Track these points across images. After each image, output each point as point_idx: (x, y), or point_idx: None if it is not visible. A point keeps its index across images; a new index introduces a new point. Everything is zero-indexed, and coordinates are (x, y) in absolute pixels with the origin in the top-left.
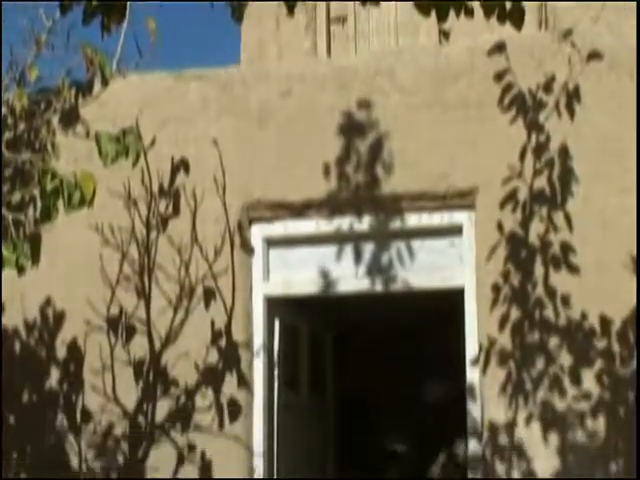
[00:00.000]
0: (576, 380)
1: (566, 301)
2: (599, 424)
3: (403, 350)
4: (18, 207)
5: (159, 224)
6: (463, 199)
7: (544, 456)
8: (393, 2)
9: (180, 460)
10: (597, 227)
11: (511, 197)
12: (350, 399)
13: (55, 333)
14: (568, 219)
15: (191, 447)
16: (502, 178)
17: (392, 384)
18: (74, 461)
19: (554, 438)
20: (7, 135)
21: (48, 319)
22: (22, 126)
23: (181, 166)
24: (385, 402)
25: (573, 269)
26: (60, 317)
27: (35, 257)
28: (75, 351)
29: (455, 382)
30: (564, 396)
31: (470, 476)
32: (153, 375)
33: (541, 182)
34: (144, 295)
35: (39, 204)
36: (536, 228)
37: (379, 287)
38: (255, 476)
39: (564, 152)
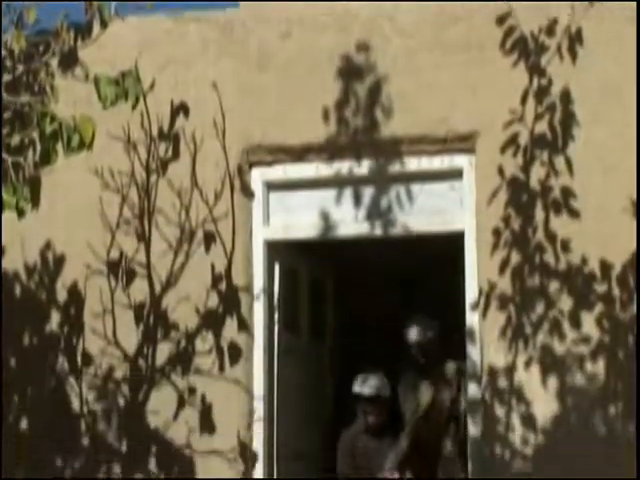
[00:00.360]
0: (576, 324)
1: (566, 245)
2: (598, 367)
3: (403, 294)
4: (17, 150)
5: (159, 168)
6: (463, 143)
7: (543, 399)
8: None
9: (180, 403)
10: (598, 171)
11: (512, 141)
12: (350, 343)
13: (55, 276)
14: (569, 163)
15: (191, 390)
16: (503, 122)
17: (392, 328)
18: (75, 403)
19: (553, 381)
20: (6, 77)
21: (48, 263)
22: (20, 69)
23: (181, 109)
24: (385, 345)
25: (573, 213)
26: (60, 261)
27: (35, 200)
28: (75, 294)
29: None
30: (564, 340)
31: (470, 419)
32: (153, 319)
33: (542, 126)
34: (144, 239)
35: (38, 147)
36: (537, 172)
37: (379, 231)
38: (255, 418)
39: (566, 96)
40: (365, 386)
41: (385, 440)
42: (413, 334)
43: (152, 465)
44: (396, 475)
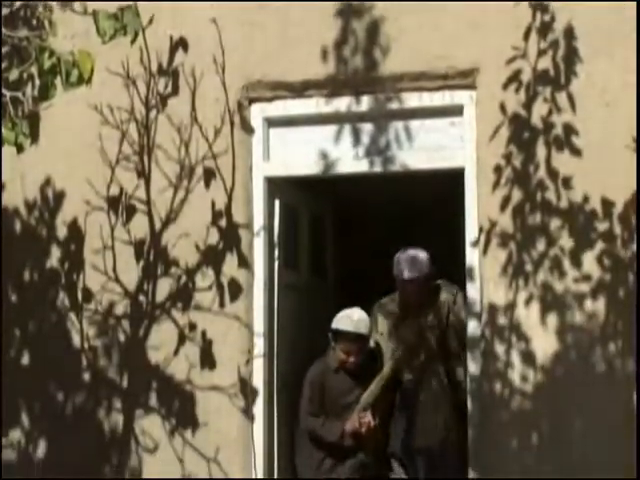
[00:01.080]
0: (576, 262)
1: (568, 183)
2: (599, 305)
3: (404, 231)
4: (16, 85)
5: (158, 104)
6: (464, 79)
7: (543, 337)
8: None
9: (181, 339)
10: (600, 108)
11: (514, 78)
12: (351, 280)
13: (55, 213)
14: (571, 100)
15: (192, 326)
16: (505, 58)
17: (391, 266)
18: (76, 339)
19: (553, 319)
20: (4, 12)
21: (48, 199)
22: (18, 3)
23: (180, 45)
24: (385, 283)
25: (575, 151)
26: (60, 197)
27: (34, 135)
28: (75, 231)
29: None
30: (564, 278)
31: (469, 355)
32: (154, 255)
33: (545, 63)
34: (144, 175)
35: (37, 82)
36: (539, 109)
37: (378, 168)
38: (255, 354)
39: (569, 32)
40: (350, 324)
41: (360, 381)
42: (404, 271)
43: (153, 401)
44: (367, 418)
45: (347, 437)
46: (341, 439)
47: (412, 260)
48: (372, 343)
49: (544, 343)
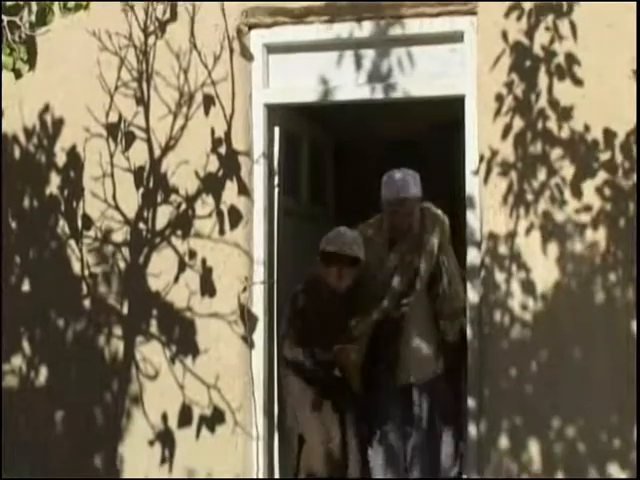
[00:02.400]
0: (577, 192)
1: (569, 112)
2: (599, 235)
3: (404, 159)
4: (13, 10)
5: (157, 30)
6: (465, 5)
7: (543, 266)
8: None
9: (181, 266)
10: (603, 38)
11: (516, 5)
12: (351, 208)
13: (54, 140)
14: (573, 29)
15: (192, 253)
16: None
17: None
18: (76, 267)
19: (554, 248)
20: None
21: (47, 126)
22: None
23: None
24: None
25: (577, 80)
26: (59, 123)
27: (32, 61)
28: (75, 158)
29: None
30: (565, 207)
31: (469, 285)
32: (153, 182)
33: None
34: (143, 102)
35: (34, 7)
36: (541, 37)
37: (379, 95)
38: (254, 280)
39: None
40: (343, 245)
41: (347, 307)
42: (390, 191)
43: (153, 328)
44: (349, 350)
45: (337, 367)
46: (330, 370)
47: (403, 180)
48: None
49: (544, 272)
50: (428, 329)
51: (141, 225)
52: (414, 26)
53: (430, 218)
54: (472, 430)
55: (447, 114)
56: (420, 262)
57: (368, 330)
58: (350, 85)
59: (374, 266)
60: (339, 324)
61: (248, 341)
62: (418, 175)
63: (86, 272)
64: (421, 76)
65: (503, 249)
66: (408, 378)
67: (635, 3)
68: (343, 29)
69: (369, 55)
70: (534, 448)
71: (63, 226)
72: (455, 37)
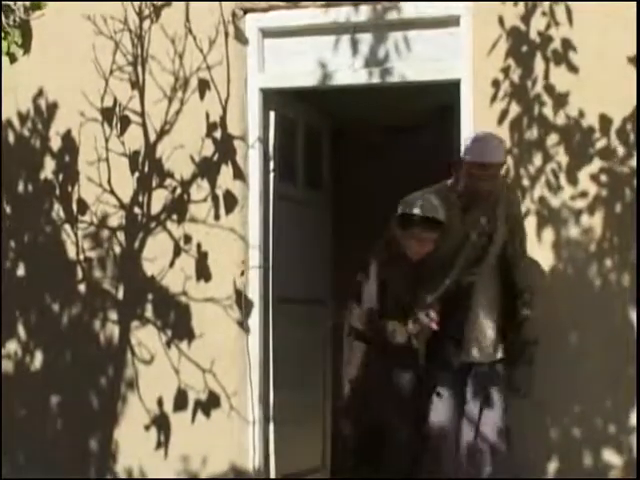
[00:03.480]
0: (573, 178)
1: (565, 98)
2: (595, 221)
3: (400, 144)
4: None
5: (152, 14)
6: None
7: (539, 251)
8: None
9: (176, 251)
10: (599, 23)
11: None
12: (347, 193)
13: (49, 124)
14: (569, 14)
15: (187, 238)
16: None
17: (388, 179)
18: (71, 251)
19: (549, 234)
20: None
21: (41, 110)
22: None
23: None
24: (383, 196)
25: (573, 66)
26: (53, 108)
27: (26, 45)
28: (70, 142)
29: None
30: (561, 193)
31: None
32: (148, 167)
33: None
34: (138, 86)
35: None
36: (537, 23)
37: (375, 79)
38: (250, 265)
39: None
40: (430, 209)
41: (417, 274)
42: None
43: (149, 312)
44: (433, 315)
45: (414, 338)
46: (408, 342)
47: (489, 144)
48: None
49: (540, 258)
50: (496, 304)
51: (136, 210)
52: (410, 10)
53: (507, 187)
54: None
55: (444, 99)
56: (495, 229)
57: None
58: (346, 69)
59: (446, 229)
60: (410, 291)
61: (244, 325)
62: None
63: (81, 257)
64: (417, 60)
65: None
66: (469, 356)
67: (635, 3)
68: (339, 13)
69: (365, 39)
70: (530, 433)
71: (58, 210)
72: (451, 21)
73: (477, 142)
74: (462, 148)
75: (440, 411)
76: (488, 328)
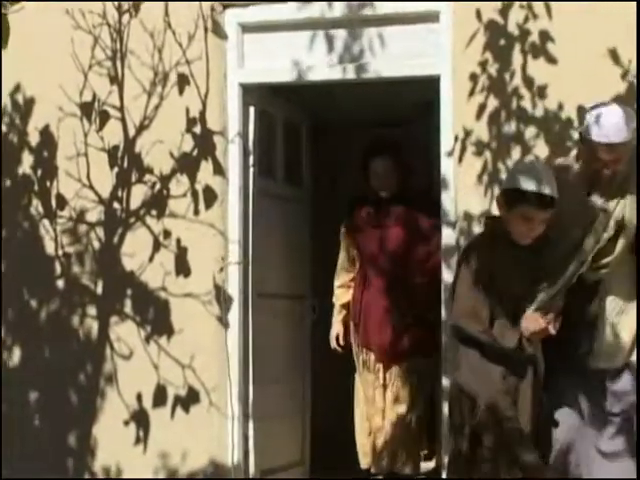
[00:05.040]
0: None
1: (543, 91)
2: None
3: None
4: None
5: (131, 8)
6: None
7: None
8: None
9: (155, 246)
10: (577, 16)
11: None
12: (327, 189)
13: (27, 119)
14: (547, 6)
15: (166, 233)
16: None
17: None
18: (49, 246)
19: None
20: None
21: (19, 105)
22: None
23: None
24: (361, 190)
25: (551, 58)
26: (31, 103)
27: (4, 39)
28: (48, 137)
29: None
30: None
31: (444, 265)
32: (127, 162)
33: None
34: (117, 81)
35: None
36: (515, 15)
37: (353, 75)
38: (230, 260)
39: None
40: (537, 183)
41: (533, 266)
42: (599, 134)
43: (128, 308)
44: (550, 316)
45: (527, 343)
46: (520, 346)
47: (616, 123)
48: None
49: None
50: (631, 301)
51: (115, 205)
52: (388, 6)
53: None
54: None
55: (425, 95)
56: (624, 212)
57: (554, 301)
58: (324, 65)
59: (568, 216)
60: (522, 287)
61: (223, 321)
62: (634, 112)
63: (60, 252)
64: (396, 56)
65: (478, 229)
66: (598, 362)
67: (635, 3)
68: (318, 9)
69: (343, 35)
70: None
71: (37, 206)
72: (430, 17)
73: (599, 119)
74: (584, 122)
75: (566, 425)
76: (622, 330)
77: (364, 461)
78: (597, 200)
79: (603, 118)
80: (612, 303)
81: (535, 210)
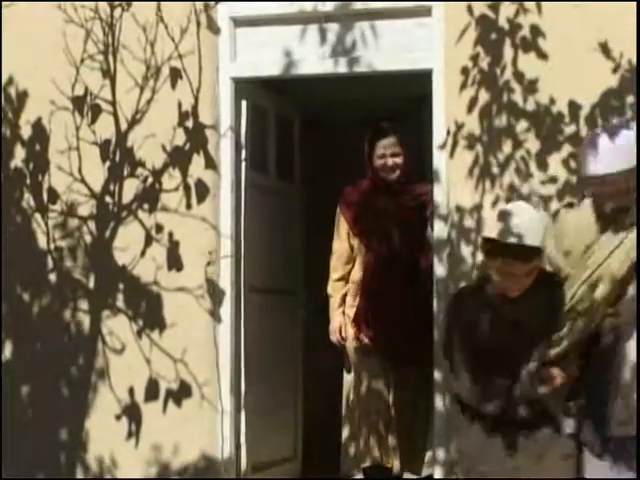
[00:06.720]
0: (543, 164)
1: (534, 85)
2: None
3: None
4: None
5: (123, 2)
6: None
7: None
8: None
9: (148, 240)
10: (567, 10)
11: None
12: (320, 183)
13: (19, 113)
14: (538, 2)
15: (159, 227)
16: None
17: (359, 168)
18: (41, 240)
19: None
20: None
21: (11, 98)
22: None
23: None
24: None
25: (542, 52)
26: (23, 96)
27: None
28: (40, 131)
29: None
30: (530, 180)
31: (436, 259)
32: (119, 156)
33: None
34: (109, 74)
35: None
36: (506, 10)
37: (345, 69)
38: (222, 254)
39: None
40: (508, 230)
41: (525, 319)
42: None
43: (120, 302)
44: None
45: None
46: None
47: (605, 151)
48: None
49: None
50: None
51: (107, 199)
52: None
53: None
54: (439, 403)
55: (417, 88)
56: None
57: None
58: (316, 59)
59: (581, 259)
60: (518, 344)
61: (215, 315)
62: (633, 135)
63: (52, 246)
64: (388, 50)
65: (469, 222)
66: (623, 428)
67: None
68: (310, 3)
69: (336, 29)
70: None
71: (28, 200)
72: (422, 11)
73: (587, 148)
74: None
75: None
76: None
77: (368, 458)
78: (609, 241)
79: (589, 148)
80: (630, 354)
81: (514, 263)
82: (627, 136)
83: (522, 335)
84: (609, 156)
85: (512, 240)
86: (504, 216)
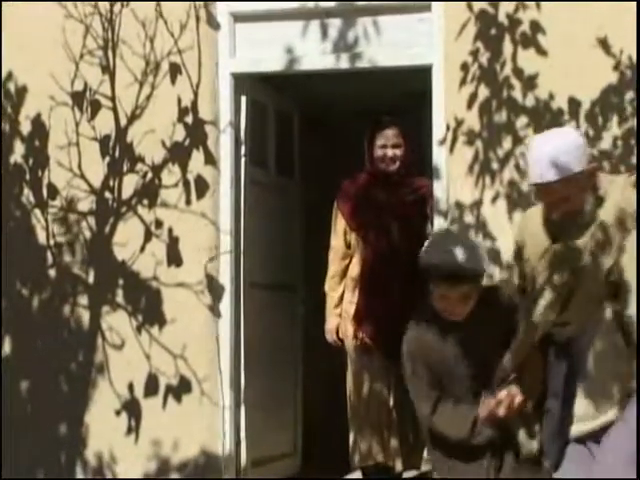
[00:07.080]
0: None
1: (534, 81)
2: None
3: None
4: None
5: None
6: None
7: (509, 235)
8: None
9: (147, 236)
10: (566, 6)
11: None
12: (318, 180)
13: (18, 108)
14: None
15: (158, 223)
16: None
17: (359, 164)
18: (41, 236)
19: (519, 217)
20: None
21: (11, 94)
22: None
23: None
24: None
25: (542, 48)
26: (23, 91)
27: None
28: (39, 126)
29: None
30: None
31: None
32: (119, 151)
33: None
34: (109, 70)
35: None
36: (505, 5)
37: (346, 64)
38: (221, 250)
39: None
40: (446, 256)
41: (475, 338)
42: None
43: (119, 297)
44: (509, 393)
45: (480, 426)
46: (472, 432)
47: (545, 158)
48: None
49: (510, 241)
50: (618, 358)
51: (107, 194)
52: None
53: (608, 191)
54: None
55: (417, 84)
56: (599, 254)
57: (510, 367)
58: (317, 54)
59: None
60: (464, 366)
61: (215, 311)
62: (578, 139)
63: (51, 241)
64: (389, 46)
65: (469, 218)
66: (580, 425)
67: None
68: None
69: (336, 24)
70: None
71: (28, 195)
72: (422, 7)
73: (529, 155)
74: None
75: None
76: (606, 402)
77: (369, 457)
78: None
79: (531, 154)
80: (593, 367)
81: (448, 287)
82: (567, 143)
83: (480, 358)
84: (541, 165)
85: (452, 266)
86: (436, 241)
